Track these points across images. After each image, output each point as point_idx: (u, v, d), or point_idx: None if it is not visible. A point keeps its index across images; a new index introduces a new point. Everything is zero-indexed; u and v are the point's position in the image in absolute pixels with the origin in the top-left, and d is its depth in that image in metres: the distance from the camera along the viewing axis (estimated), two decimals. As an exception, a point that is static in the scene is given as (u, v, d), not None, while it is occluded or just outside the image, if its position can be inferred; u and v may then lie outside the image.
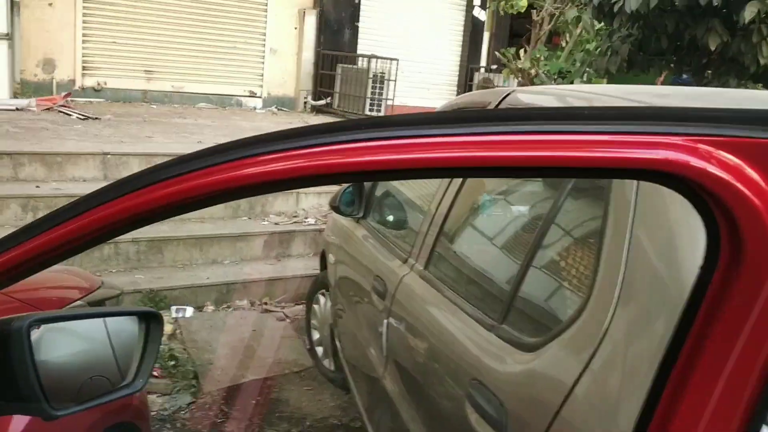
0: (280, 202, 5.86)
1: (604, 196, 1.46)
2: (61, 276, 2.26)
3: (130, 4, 9.06)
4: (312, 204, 6.02)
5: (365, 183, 3.34)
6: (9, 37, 7.97)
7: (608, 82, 5.62)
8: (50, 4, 8.57)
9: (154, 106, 9.14)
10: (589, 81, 5.74)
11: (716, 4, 4.46)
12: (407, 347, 2.25)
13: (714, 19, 4.63)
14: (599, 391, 1.29)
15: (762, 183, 0.58)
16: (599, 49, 5.57)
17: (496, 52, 7.20)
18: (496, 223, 2.22)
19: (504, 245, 2.07)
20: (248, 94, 10.34)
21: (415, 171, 0.64)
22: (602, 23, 5.22)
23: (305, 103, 10.60)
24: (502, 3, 6.62)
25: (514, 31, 13.12)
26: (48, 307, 1.91)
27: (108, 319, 1.37)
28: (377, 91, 9.80)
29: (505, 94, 2.26)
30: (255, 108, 10.28)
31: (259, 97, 10.42)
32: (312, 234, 5.61)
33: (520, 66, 6.40)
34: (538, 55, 6.39)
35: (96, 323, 1.34)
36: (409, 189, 3.26)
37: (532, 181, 2.04)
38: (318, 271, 4.65)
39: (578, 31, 6.28)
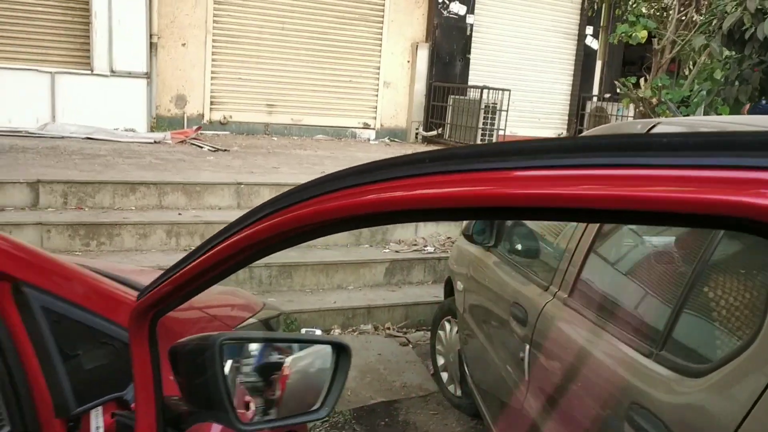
0: (400, 231, 6.03)
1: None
2: (230, 296, 2.47)
3: (255, 42, 9.63)
4: (431, 233, 6.14)
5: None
6: (148, 75, 8.66)
7: (733, 112, 5.46)
8: (183, 45, 9.24)
9: (275, 138, 9.62)
10: (715, 110, 5.59)
11: None
12: (553, 372, 2.31)
13: None
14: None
15: None
16: (726, 78, 5.43)
17: (616, 82, 7.13)
18: (645, 253, 2.24)
19: (655, 274, 2.10)
20: (362, 125, 10.68)
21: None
22: (731, 51, 5.10)
23: (416, 134, 10.82)
24: (621, 33, 6.56)
25: (627, 59, 12.92)
26: (227, 323, 2.09)
27: (302, 346, 1.48)
28: (488, 121, 9.87)
29: (650, 125, 2.30)
30: (368, 139, 10.60)
31: (373, 128, 10.74)
32: (431, 262, 5.73)
33: (641, 95, 6.31)
34: (659, 84, 6.28)
35: (294, 348, 1.46)
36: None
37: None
38: (441, 298, 4.76)
39: (703, 58, 6.14)
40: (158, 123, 9.08)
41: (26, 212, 5.09)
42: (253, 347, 1.52)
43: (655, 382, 1.66)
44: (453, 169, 0.57)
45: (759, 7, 4.45)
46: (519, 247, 3.27)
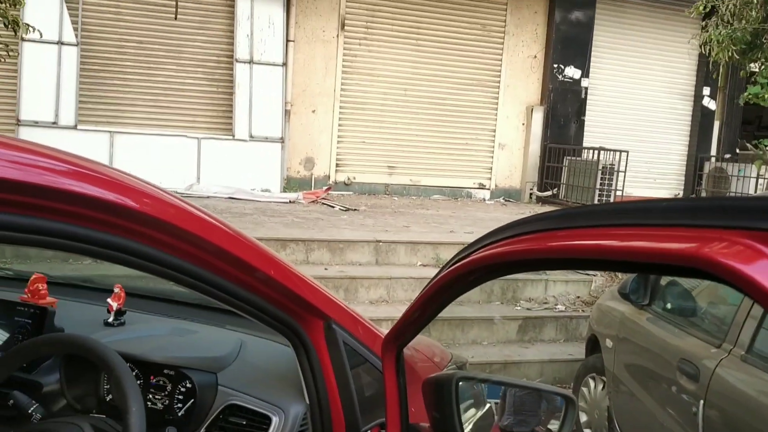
0: (530, 289, 6.18)
1: None
2: (432, 347, 2.75)
3: (378, 108, 10.19)
4: (560, 291, 6.26)
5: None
6: (282, 140, 9.34)
7: None
8: (313, 111, 9.91)
9: (396, 198, 10.04)
10: None
11: None
12: (734, 427, 2.42)
13: None
14: None
15: None
16: None
17: (747, 144, 7.11)
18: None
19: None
20: (477, 186, 10.96)
21: None
22: None
23: (531, 194, 10.99)
24: (750, 95, 6.59)
25: (746, 119, 12.68)
26: (440, 368, 2.35)
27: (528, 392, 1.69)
28: (606, 182, 9.92)
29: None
30: (484, 199, 10.86)
31: (488, 189, 11.00)
32: (563, 320, 5.84)
33: (774, 157, 6.29)
34: (793, 146, 6.25)
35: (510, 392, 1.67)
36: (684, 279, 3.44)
37: None
38: (574, 356, 4.86)
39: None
40: (288, 184, 9.70)
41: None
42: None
43: None
44: None
45: None
46: (676, 305, 3.40)
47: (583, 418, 4.38)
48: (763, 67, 7.24)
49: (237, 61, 9.12)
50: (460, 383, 1.52)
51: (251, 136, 9.16)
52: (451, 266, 1.11)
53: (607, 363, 3.95)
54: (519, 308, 5.95)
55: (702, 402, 2.60)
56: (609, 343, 3.97)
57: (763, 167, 6.78)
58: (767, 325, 2.42)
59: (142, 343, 1.70)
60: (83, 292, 2.21)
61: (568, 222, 0.81)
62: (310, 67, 9.82)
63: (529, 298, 6.15)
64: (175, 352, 1.66)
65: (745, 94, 6.76)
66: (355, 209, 8.19)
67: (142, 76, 9.00)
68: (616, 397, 3.78)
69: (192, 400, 1.58)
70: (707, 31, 7.28)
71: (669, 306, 3.41)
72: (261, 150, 9.15)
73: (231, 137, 9.14)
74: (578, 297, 6.19)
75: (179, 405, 1.62)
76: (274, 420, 1.51)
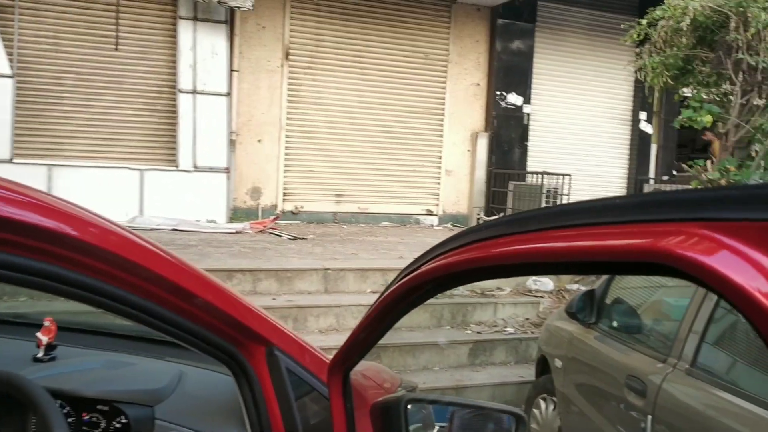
0: (479, 312, 6.20)
1: None
2: (380, 371, 2.70)
3: (325, 136, 10.18)
4: (509, 314, 6.30)
5: (596, 292, 3.63)
6: (228, 170, 9.22)
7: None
8: (259, 141, 9.83)
9: (344, 226, 10.00)
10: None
11: None
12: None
13: None
14: None
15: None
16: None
17: (683, 165, 7.35)
18: None
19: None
20: (425, 212, 11.02)
21: None
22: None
23: (478, 218, 11.09)
24: (684, 118, 6.82)
25: (680, 141, 13.13)
26: (389, 392, 2.30)
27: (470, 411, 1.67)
28: (550, 205, 10.11)
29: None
30: (432, 225, 10.91)
31: (436, 215, 11.06)
32: (513, 343, 5.87)
33: (709, 177, 6.50)
34: (727, 166, 6.47)
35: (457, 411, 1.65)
36: (635, 293, 3.50)
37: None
38: (525, 378, 4.87)
39: (768, 140, 6.34)
40: (235, 214, 9.56)
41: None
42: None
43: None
44: None
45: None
46: (621, 323, 3.44)
47: (536, 439, 4.38)
48: (695, 91, 7.51)
49: (180, 91, 9.00)
50: (409, 406, 1.49)
51: (196, 167, 9.02)
52: (397, 283, 1.07)
53: (557, 383, 3.97)
54: (469, 332, 5.96)
55: (650, 417, 2.62)
56: (558, 363, 3.99)
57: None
58: (709, 338, 2.46)
59: (73, 378, 1.62)
60: (13, 328, 2.10)
61: (517, 227, 0.78)
62: (255, 97, 9.77)
63: (478, 321, 6.16)
64: (108, 386, 1.58)
65: (680, 117, 6.98)
66: (303, 238, 8.12)
67: (81, 108, 8.79)
68: (567, 417, 3.79)
69: None
70: (641, 58, 7.53)
71: (615, 324, 3.45)
72: (206, 180, 9.01)
73: (175, 168, 8.98)
74: (527, 319, 6.24)
75: None
76: None
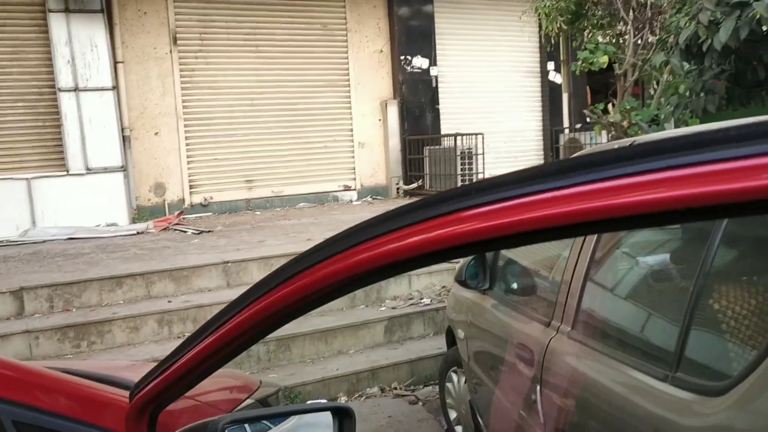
0: (394, 287, 5.95)
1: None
2: (224, 379, 2.38)
3: (226, 122, 9.71)
4: (424, 285, 6.07)
5: (487, 256, 3.39)
6: (124, 168, 8.68)
7: (704, 122, 5.52)
8: (156, 134, 9.29)
9: (258, 213, 9.60)
10: (684, 123, 5.65)
11: (811, 26, 4.36)
12: (567, 410, 2.22)
13: (811, 42, 4.53)
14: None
15: None
16: (692, 90, 5.50)
17: (584, 111, 7.24)
18: (643, 274, 2.19)
19: (657, 294, 2.04)
20: (343, 188, 10.70)
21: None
22: (691, 64, 5.18)
23: (398, 188, 10.85)
24: (581, 63, 6.68)
25: (592, 88, 13.15)
26: (223, 408, 2.00)
27: (306, 416, 1.43)
28: (466, 166, 9.93)
29: (628, 144, 2.28)
30: (351, 201, 10.61)
31: (354, 189, 10.76)
32: (430, 314, 5.64)
33: (611, 120, 6.38)
34: (627, 106, 6.36)
35: (301, 419, 1.41)
36: (529, 255, 3.28)
37: (673, 227, 2.04)
38: (445, 349, 4.65)
39: (665, 76, 6.24)
40: (140, 213, 9.05)
41: (11, 322, 4.97)
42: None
43: (675, 406, 1.59)
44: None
45: (711, 18, 4.53)
46: (515, 286, 3.22)
47: (453, 414, 4.17)
48: (590, 35, 7.39)
49: (60, 89, 8.37)
50: (227, 430, 1.23)
51: (88, 169, 8.44)
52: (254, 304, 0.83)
53: (462, 354, 3.74)
54: (384, 308, 5.70)
55: (538, 387, 2.39)
56: (461, 333, 3.76)
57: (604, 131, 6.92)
58: (588, 300, 2.24)
59: None
60: None
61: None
62: (145, 88, 9.21)
63: (394, 296, 5.92)
64: None
65: (578, 62, 6.85)
66: (209, 231, 7.70)
67: (-49, 119, 8.10)
68: (475, 390, 3.57)
69: None
70: (534, 5, 7.35)
71: (509, 287, 3.22)
72: (101, 182, 8.45)
73: (65, 173, 8.38)
74: (443, 287, 6.02)
75: None
76: None
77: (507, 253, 3.33)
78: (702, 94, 5.30)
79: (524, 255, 3.27)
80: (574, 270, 2.32)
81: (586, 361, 2.12)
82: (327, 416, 1.35)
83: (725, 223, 1.64)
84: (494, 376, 3.14)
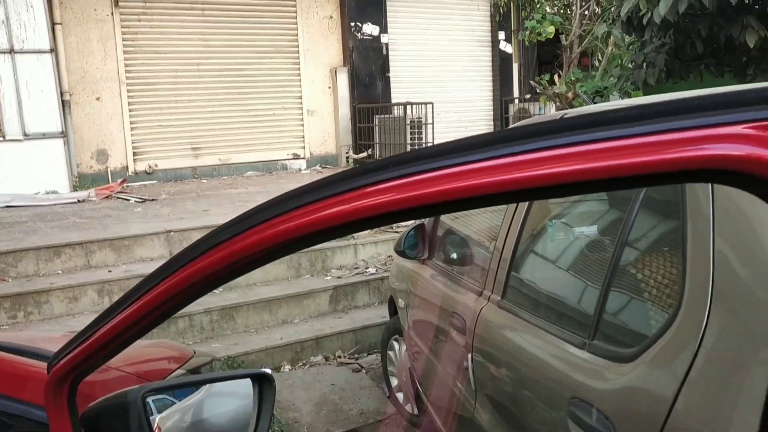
0: (339, 256, 5.96)
1: (679, 204, 1.49)
2: (156, 349, 2.36)
3: (171, 87, 9.47)
4: (370, 254, 6.10)
5: (426, 226, 3.41)
6: (64, 134, 8.41)
7: (645, 94, 5.62)
8: (98, 98, 9.02)
9: (205, 181, 9.45)
10: (627, 95, 5.74)
11: (748, 1, 4.46)
12: (497, 377, 2.27)
13: (748, 16, 4.62)
14: (702, 399, 1.30)
15: None
16: (633, 63, 5.59)
17: (531, 82, 7.29)
18: (570, 244, 2.24)
19: (581, 264, 2.09)
20: (292, 156, 10.60)
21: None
22: (633, 36, 5.25)
23: (347, 157, 10.80)
24: (528, 33, 6.70)
25: (542, 59, 13.25)
26: (152, 378, 1.99)
27: (224, 383, 1.43)
28: (416, 136, 9.94)
29: (560, 116, 2.31)
30: (300, 169, 10.53)
31: (303, 158, 10.68)
32: (375, 283, 5.68)
33: (557, 91, 6.45)
34: (573, 78, 6.43)
35: (213, 387, 1.41)
36: (469, 224, 3.32)
37: (600, 199, 2.08)
38: (387, 318, 4.70)
39: (610, 48, 6.32)
40: (81, 181, 8.81)
41: (-57, 292, 4.82)
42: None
43: (591, 372, 1.64)
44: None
45: (652, -8, 4.59)
46: (453, 256, 3.25)
47: (394, 382, 4.23)
48: (539, 4, 7.41)
49: (-6, 51, 8.03)
50: (149, 398, 1.23)
51: (26, 135, 8.15)
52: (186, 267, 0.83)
53: (403, 322, 3.79)
54: (329, 278, 5.71)
55: (470, 356, 2.44)
56: (401, 302, 3.80)
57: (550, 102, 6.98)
58: (516, 270, 2.28)
59: None
60: None
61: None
62: (85, 51, 8.90)
63: (339, 265, 5.93)
64: None
65: (525, 32, 6.87)
66: (153, 199, 7.55)
67: None
68: (414, 358, 3.63)
69: None
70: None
71: (448, 257, 3.26)
72: (40, 148, 8.18)
73: (1, 138, 8.08)
74: (389, 256, 6.05)
75: None
76: None
77: (447, 223, 3.36)
78: (644, 67, 5.40)
79: (465, 225, 3.31)
80: (505, 240, 2.36)
81: (514, 329, 2.17)
82: (246, 384, 1.37)
83: (642, 194, 1.68)
84: (432, 344, 3.19)
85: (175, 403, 1.50)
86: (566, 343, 1.79)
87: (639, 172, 0.51)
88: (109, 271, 5.24)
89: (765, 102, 0.49)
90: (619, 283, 1.71)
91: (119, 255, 5.45)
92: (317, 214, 0.66)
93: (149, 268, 5.29)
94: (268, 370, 1.47)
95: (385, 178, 0.61)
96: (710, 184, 1.38)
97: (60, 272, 5.23)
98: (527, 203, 2.29)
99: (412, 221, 3.52)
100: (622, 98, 5.99)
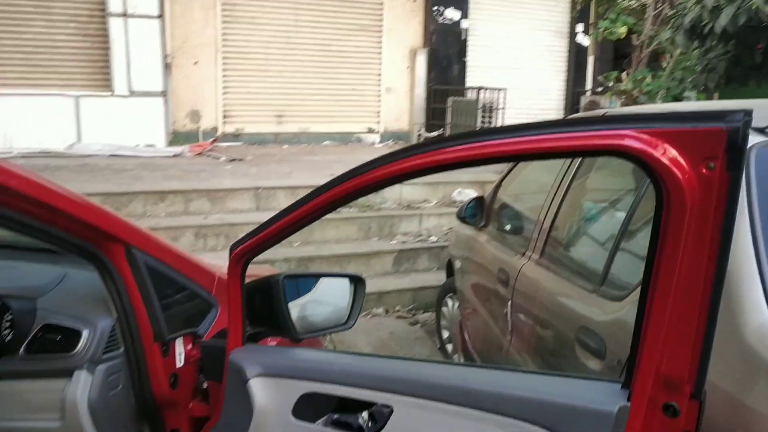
0: (405, 223, 6.56)
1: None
2: (270, 268, 3.00)
3: (262, 57, 10.21)
4: (434, 224, 6.67)
5: (486, 198, 3.97)
6: (164, 94, 9.26)
7: (707, 98, 5.95)
8: (195, 63, 9.83)
9: (285, 147, 10.19)
10: (690, 98, 6.08)
11: (805, 18, 4.77)
12: (528, 316, 2.83)
13: (805, 32, 4.94)
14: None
15: (680, 159, 0.98)
16: (697, 67, 5.93)
17: (599, 77, 7.65)
18: (592, 219, 2.78)
19: (598, 233, 2.63)
20: (367, 130, 11.23)
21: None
22: (694, 43, 5.60)
23: (419, 135, 11.36)
24: (602, 31, 7.07)
25: (619, 53, 13.40)
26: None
27: (329, 279, 2.05)
28: (487, 120, 10.39)
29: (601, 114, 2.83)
30: (373, 143, 11.16)
31: (377, 132, 11.29)
32: (435, 250, 6.26)
33: (622, 88, 6.83)
34: (639, 77, 6.79)
35: (323, 282, 2.02)
36: (519, 200, 3.86)
37: (621, 189, 2.60)
38: (444, 280, 5.28)
39: (678, 50, 6.64)
40: (175, 138, 9.67)
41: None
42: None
43: (595, 309, 2.19)
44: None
45: (715, 4, 4.96)
46: (505, 225, 3.80)
47: (446, 334, 4.82)
48: (616, 3, 7.74)
49: (110, 14, 8.90)
50: (286, 281, 1.80)
51: (131, 92, 9.04)
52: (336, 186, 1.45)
53: (458, 282, 4.37)
54: (394, 242, 6.32)
55: (510, 302, 3.01)
56: (458, 264, 4.37)
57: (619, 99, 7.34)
58: (554, 235, 2.83)
59: None
60: None
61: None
62: (188, 18, 9.71)
63: (405, 232, 6.53)
64: None
65: (600, 30, 7.24)
66: (241, 159, 8.31)
67: (9, 34, 8.67)
68: (465, 313, 4.21)
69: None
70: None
71: (499, 226, 3.81)
72: (142, 105, 9.06)
73: (110, 94, 8.99)
74: (450, 228, 6.61)
75: (6, 332, 1.82)
76: (84, 333, 1.73)
77: (502, 198, 3.91)
78: (706, 72, 5.75)
79: (516, 200, 3.86)
80: (546, 212, 2.90)
81: (545, 280, 2.72)
82: (345, 282, 1.96)
83: (645, 188, 2.20)
84: (480, 298, 3.76)
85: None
86: (582, 289, 2.34)
87: (584, 150, 1.10)
88: (205, 218, 5.99)
89: (648, 120, 1.01)
90: (623, 247, 2.24)
91: (214, 204, 6.19)
92: (432, 158, 1.21)
93: (239, 218, 6.02)
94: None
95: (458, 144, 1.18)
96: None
97: (163, 215, 6.01)
98: (566, 188, 2.83)
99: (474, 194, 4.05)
100: (690, 100, 6.34)
